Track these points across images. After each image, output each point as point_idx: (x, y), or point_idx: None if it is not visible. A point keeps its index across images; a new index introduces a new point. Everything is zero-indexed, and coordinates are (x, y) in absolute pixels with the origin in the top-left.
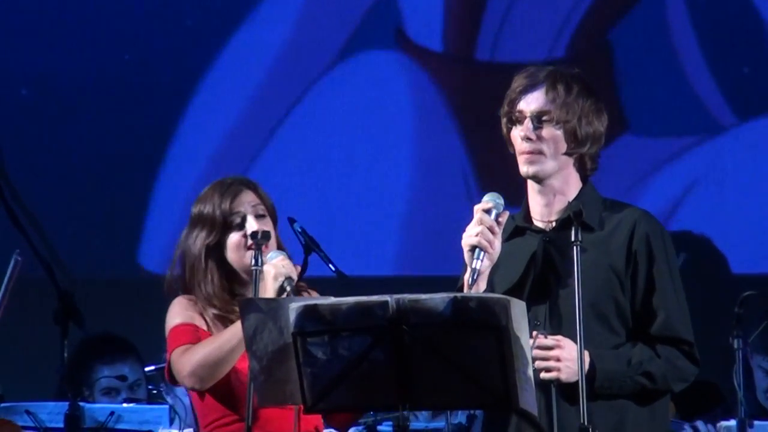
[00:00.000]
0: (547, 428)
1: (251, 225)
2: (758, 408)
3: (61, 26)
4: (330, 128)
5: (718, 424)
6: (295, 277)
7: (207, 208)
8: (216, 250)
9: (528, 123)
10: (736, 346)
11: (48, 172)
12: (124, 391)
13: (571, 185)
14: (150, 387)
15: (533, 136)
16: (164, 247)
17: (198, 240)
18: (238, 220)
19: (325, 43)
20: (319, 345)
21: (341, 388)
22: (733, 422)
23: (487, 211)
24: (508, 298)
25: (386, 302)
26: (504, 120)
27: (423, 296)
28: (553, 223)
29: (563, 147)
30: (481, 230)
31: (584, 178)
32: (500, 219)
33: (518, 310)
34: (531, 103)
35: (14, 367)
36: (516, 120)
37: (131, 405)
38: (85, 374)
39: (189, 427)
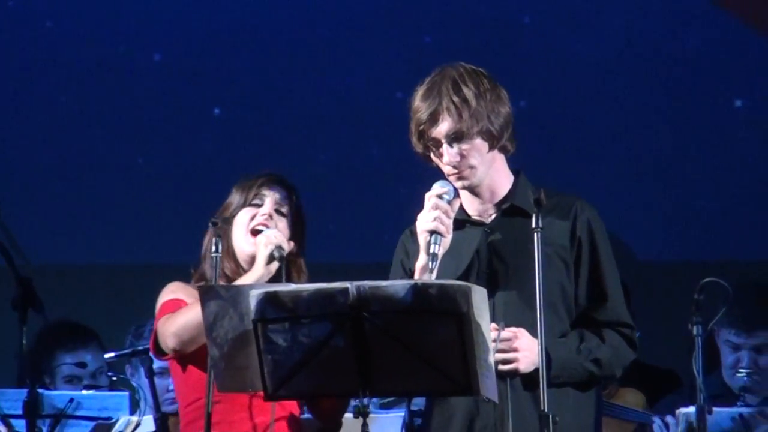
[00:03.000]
0: (500, 415)
1: (266, 207)
2: (722, 387)
3: (26, 23)
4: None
5: (677, 411)
6: (285, 247)
7: (237, 189)
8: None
9: (446, 148)
10: (695, 332)
11: (6, 159)
12: (86, 378)
13: (502, 175)
14: (111, 374)
15: (457, 158)
16: (124, 234)
17: (221, 214)
18: (257, 201)
19: None
20: (280, 332)
21: (302, 374)
22: (692, 409)
23: (440, 197)
24: (470, 284)
25: (347, 289)
26: (420, 148)
27: (383, 283)
28: (492, 216)
29: (486, 149)
30: (438, 215)
31: (510, 165)
32: (452, 205)
33: (479, 297)
34: (440, 128)
35: None
36: (433, 146)
37: (90, 392)
38: (46, 361)
39: (151, 412)
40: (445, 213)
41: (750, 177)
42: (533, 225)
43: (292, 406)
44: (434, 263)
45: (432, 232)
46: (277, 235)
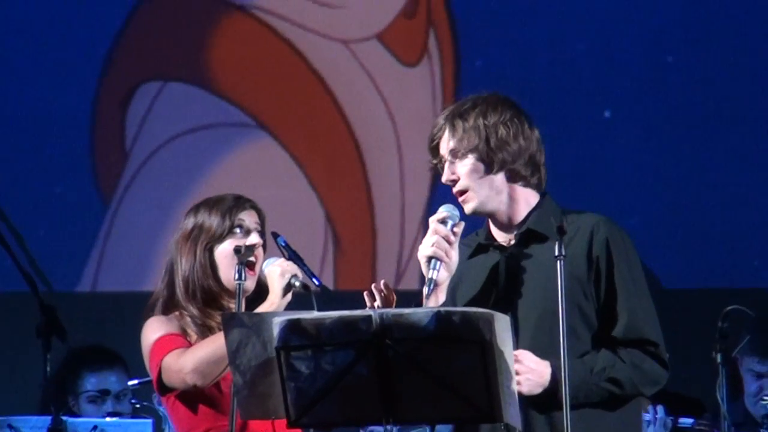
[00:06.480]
0: None
1: (253, 238)
2: (746, 416)
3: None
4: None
5: (661, 416)
6: (300, 275)
7: (211, 218)
8: (212, 258)
9: (446, 166)
10: (719, 360)
11: (28, 186)
12: (109, 399)
13: (520, 203)
14: (134, 401)
15: (452, 177)
16: (149, 262)
17: (198, 248)
18: (239, 231)
19: None
20: (303, 359)
21: (325, 402)
22: None
23: (443, 222)
24: (492, 312)
25: (370, 317)
26: (432, 164)
27: (406, 310)
28: (513, 240)
29: (481, 171)
30: (437, 240)
31: (540, 191)
32: (456, 230)
33: (502, 324)
34: (442, 147)
35: None
36: (442, 167)
37: (114, 419)
38: (71, 382)
39: None
40: (445, 238)
41: None
42: (556, 253)
43: None
44: (430, 289)
45: (430, 258)
46: (290, 263)
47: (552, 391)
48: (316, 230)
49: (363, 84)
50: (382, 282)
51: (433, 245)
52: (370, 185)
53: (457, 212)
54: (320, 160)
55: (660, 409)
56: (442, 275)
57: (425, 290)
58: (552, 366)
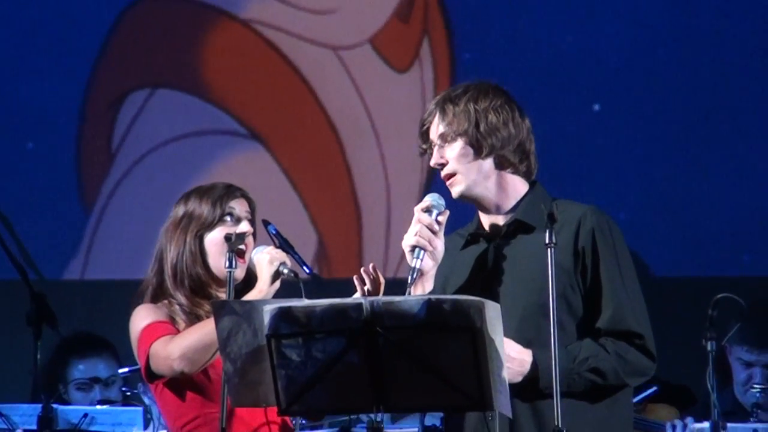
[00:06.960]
0: (496, 425)
1: (244, 226)
2: (735, 404)
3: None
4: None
5: (691, 427)
6: (289, 262)
7: (201, 206)
8: (202, 245)
9: (435, 150)
10: (709, 348)
11: (20, 174)
12: (98, 386)
13: (509, 192)
14: (124, 389)
15: (440, 161)
16: (139, 249)
17: (188, 235)
18: (230, 220)
19: None
20: (294, 347)
21: (315, 390)
22: (706, 424)
23: (427, 211)
24: (483, 300)
25: (360, 304)
26: (422, 151)
27: (397, 298)
28: (503, 231)
29: (470, 155)
30: (420, 229)
31: (529, 179)
32: (440, 218)
33: (493, 312)
34: (432, 131)
35: None
36: (431, 153)
37: (105, 407)
38: (61, 370)
39: (164, 428)
40: (429, 227)
41: (765, 194)
42: (546, 241)
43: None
44: (413, 277)
45: (414, 247)
46: (278, 251)
47: (533, 379)
48: (304, 236)
49: (352, 90)
50: (371, 265)
51: (416, 234)
52: (356, 192)
53: (442, 201)
54: (308, 165)
55: (690, 419)
56: (427, 264)
57: (409, 279)
58: (533, 355)
